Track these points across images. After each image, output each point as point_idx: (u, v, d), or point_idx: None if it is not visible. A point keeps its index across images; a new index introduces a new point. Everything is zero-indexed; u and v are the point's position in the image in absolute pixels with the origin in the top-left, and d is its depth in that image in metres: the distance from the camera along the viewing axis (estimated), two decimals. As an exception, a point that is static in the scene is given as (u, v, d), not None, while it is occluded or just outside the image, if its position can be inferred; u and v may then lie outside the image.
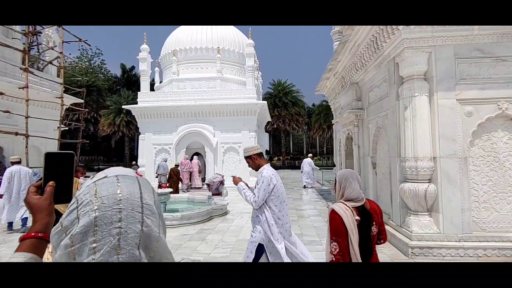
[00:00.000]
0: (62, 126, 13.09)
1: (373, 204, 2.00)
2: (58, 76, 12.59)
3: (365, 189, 7.41)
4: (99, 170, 26.74)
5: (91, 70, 43.83)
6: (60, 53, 11.94)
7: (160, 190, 8.55)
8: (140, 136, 15.52)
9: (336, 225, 1.83)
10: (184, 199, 10.41)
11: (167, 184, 13.27)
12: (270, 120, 21.39)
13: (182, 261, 0.79)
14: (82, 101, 13.34)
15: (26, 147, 10.01)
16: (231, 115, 14.84)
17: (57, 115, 11.95)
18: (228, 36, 16.33)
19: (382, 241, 2.04)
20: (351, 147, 9.11)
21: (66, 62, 39.11)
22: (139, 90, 15.71)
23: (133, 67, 46.84)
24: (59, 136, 11.75)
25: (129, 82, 44.31)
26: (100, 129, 33.50)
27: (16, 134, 9.72)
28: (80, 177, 5.82)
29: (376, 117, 6.50)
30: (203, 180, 15.74)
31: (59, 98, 11.83)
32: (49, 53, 12.19)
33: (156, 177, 13.40)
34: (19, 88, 10.17)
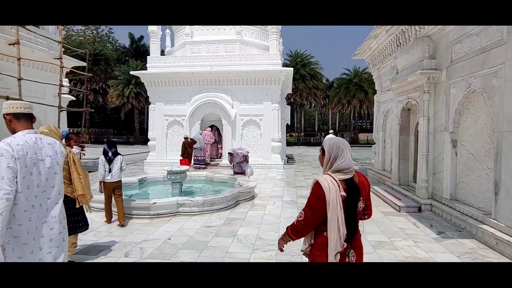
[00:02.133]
0: (64, 93, 11.65)
1: (361, 177, 1.81)
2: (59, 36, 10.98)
3: (435, 173, 5.81)
4: (108, 143, 25.54)
5: (98, 39, 42.04)
6: (57, 5, 10.23)
7: (175, 168, 7.13)
8: (150, 106, 14.01)
9: (314, 198, 1.70)
10: (201, 178, 9.03)
11: (183, 159, 12.02)
12: (290, 92, 19.52)
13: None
14: (85, 64, 11.76)
15: (20, 114, 8.59)
16: (252, 83, 13.10)
17: (56, 80, 10.44)
18: (249, -8, 14.19)
19: (366, 217, 1.89)
20: (408, 120, 7.41)
21: (72, 30, 37.28)
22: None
23: (141, 37, 44.91)
24: (59, 104, 10.29)
25: (138, 52, 42.66)
26: (109, 100, 32.17)
27: (7, 98, 8.29)
28: (74, 146, 4.46)
29: (470, 77, 4.75)
30: (219, 156, 14.33)
31: (57, 59, 10.26)
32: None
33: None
34: (9, 44, 8.62)
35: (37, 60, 9.58)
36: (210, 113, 13.28)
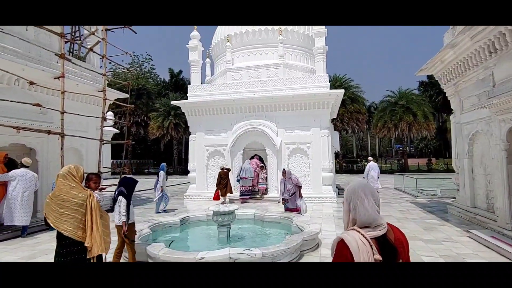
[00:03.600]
0: (108, 125, 11.39)
1: (398, 233, 1.43)
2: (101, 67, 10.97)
3: None
4: (149, 173, 25.66)
5: (141, 75, 44.64)
6: (103, 39, 10.21)
7: (222, 208, 6.05)
8: (190, 137, 13.44)
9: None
10: (249, 217, 7.83)
11: (216, 192, 11.23)
12: (335, 117, 18.17)
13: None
14: (127, 95, 11.57)
15: (62, 148, 8.23)
16: (298, 108, 12.05)
17: (99, 112, 10.20)
18: (291, 14, 13.60)
19: None
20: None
21: (118, 69, 39.97)
22: (187, 93, 13.66)
23: (180, 71, 47.12)
24: (100, 136, 9.94)
25: (177, 86, 44.54)
26: (149, 132, 33.02)
27: (49, 132, 7.97)
28: (95, 189, 3.62)
29: None
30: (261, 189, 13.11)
31: (101, 91, 10.08)
32: (91, 39, 10.55)
33: (238, 180, 11.58)
34: (54, 78, 8.49)
35: (81, 93, 9.40)
36: (253, 142, 12.32)
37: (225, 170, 11.42)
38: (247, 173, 11.38)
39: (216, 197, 11.42)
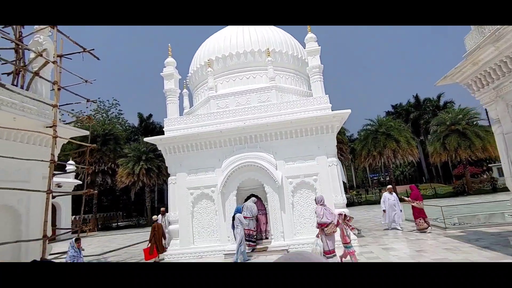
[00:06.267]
0: (65, 172, 8.92)
1: None
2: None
3: None
4: (118, 228, 21.87)
5: (108, 121, 41.82)
6: (54, 62, 8.10)
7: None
8: (169, 179, 11.00)
9: None
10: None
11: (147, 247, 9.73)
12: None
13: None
14: (87, 132, 9.18)
15: (-18, 208, 5.60)
16: (298, 135, 10.28)
17: (47, 154, 7.70)
18: (278, 36, 12.42)
19: None
20: None
21: (82, 115, 37.14)
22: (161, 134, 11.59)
23: (150, 115, 45.24)
24: (48, 187, 7.34)
25: (147, 130, 42.35)
26: (118, 180, 29.51)
27: (-39, 185, 5.40)
28: None
29: None
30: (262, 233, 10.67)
31: (50, 127, 7.68)
32: (38, 62, 8.31)
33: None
34: (-23, 108, 6.11)
35: (21, 129, 6.94)
36: (248, 179, 10.16)
37: (158, 223, 10.31)
38: (249, 212, 9.18)
39: (147, 256, 9.62)
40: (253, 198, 9.82)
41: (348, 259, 6.68)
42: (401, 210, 11.26)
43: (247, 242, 9.18)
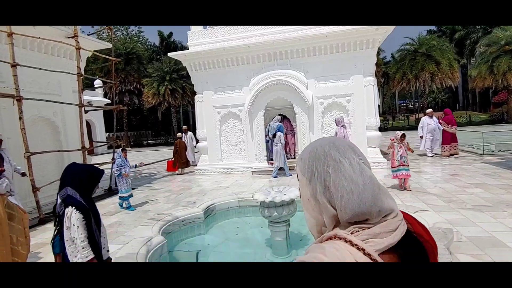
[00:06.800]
0: (88, 88, 8.81)
1: (419, 228, 0.70)
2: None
3: None
4: (148, 145, 23.20)
5: (128, 39, 40.58)
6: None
7: (277, 196, 3.72)
8: (196, 97, 10.81)
9: None
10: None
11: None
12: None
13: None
14: (110, 45, 8.78)
15: (21, 118, 5.74)
16: (334, 51, 9.32)
17: (73, 68, 7.54)
18: None
19: None
20: None
21: (103, 33, 36.10)
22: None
23: (171, 34, 43.07)
24: (79, 101, 7.37)
25: (169, 49, 40.72)
26: (144, 100, 30.03)
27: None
28: None
29: None
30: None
31: (71, 37, 7.32)
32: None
33: (267, 141, 9.72)
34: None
35: (41, 38, 6.62)
36: (277, 98, 9.75)
37: (181, 140, 11.21)
38: (272, 132, 9.12)
39: (170, 168, 11.03)
40: (278, 117, 9.51)
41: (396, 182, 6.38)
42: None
43: (272, 161, 9.29)
